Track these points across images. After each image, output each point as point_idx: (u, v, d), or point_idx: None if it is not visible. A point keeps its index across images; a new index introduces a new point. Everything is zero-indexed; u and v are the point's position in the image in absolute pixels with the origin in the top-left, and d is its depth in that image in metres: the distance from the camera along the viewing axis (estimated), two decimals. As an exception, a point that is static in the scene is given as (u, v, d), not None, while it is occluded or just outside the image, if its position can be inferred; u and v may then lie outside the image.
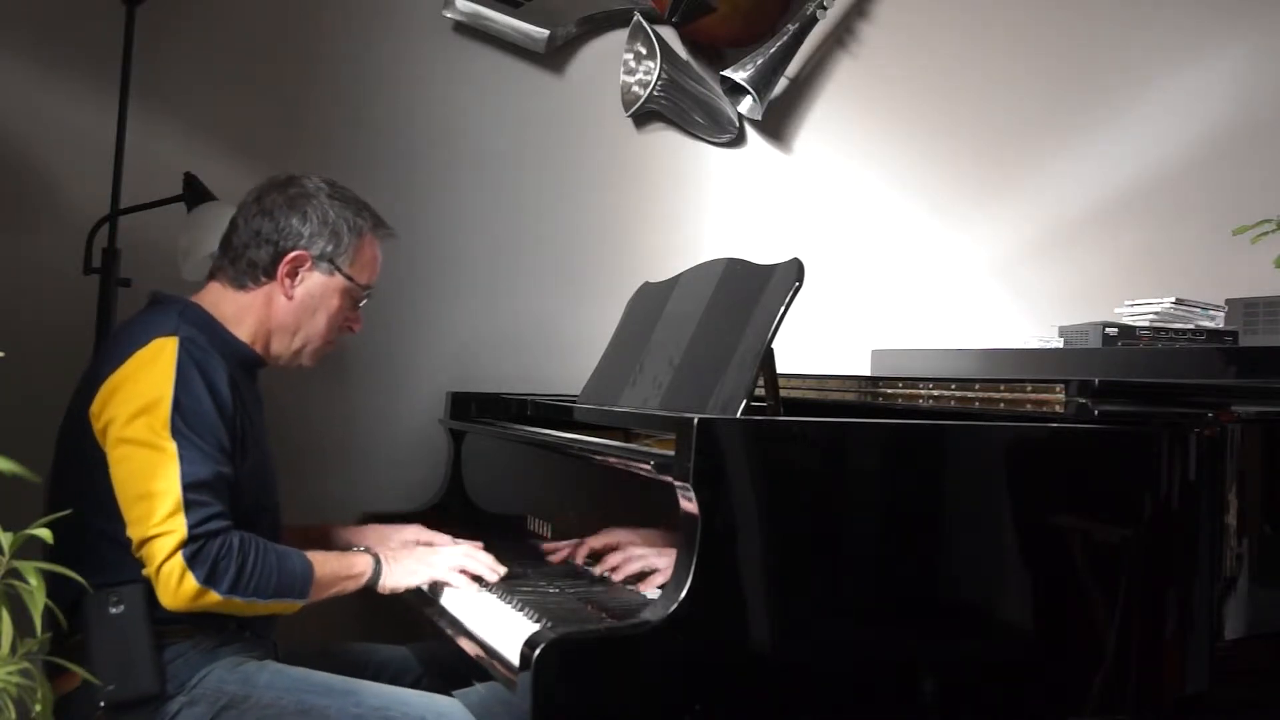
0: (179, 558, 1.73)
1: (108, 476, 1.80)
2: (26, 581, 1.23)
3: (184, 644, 1.83)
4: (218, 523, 1.77)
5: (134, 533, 1.77)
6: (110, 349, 1.91)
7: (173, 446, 1.77)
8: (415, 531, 2.23)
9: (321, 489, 2.73)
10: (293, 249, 1.99)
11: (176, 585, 1.73)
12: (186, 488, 1.75)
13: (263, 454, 2.00)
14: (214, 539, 1.76)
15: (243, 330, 2.01)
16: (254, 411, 2.00)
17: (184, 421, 1.79)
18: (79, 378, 1.95)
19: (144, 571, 1.77)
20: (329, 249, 2.01)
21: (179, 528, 1.73)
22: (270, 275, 2.00)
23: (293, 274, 2.00)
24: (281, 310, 2.01)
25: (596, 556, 2.09)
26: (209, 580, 1.74)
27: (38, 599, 1.22)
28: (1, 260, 2.53)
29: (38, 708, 1.27)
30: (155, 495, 1.75)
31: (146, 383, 1.81)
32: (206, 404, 1.83)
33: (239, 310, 2.01)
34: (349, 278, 2.04)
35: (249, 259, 2.00)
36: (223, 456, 1.83)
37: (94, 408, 1.84)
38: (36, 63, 2.56)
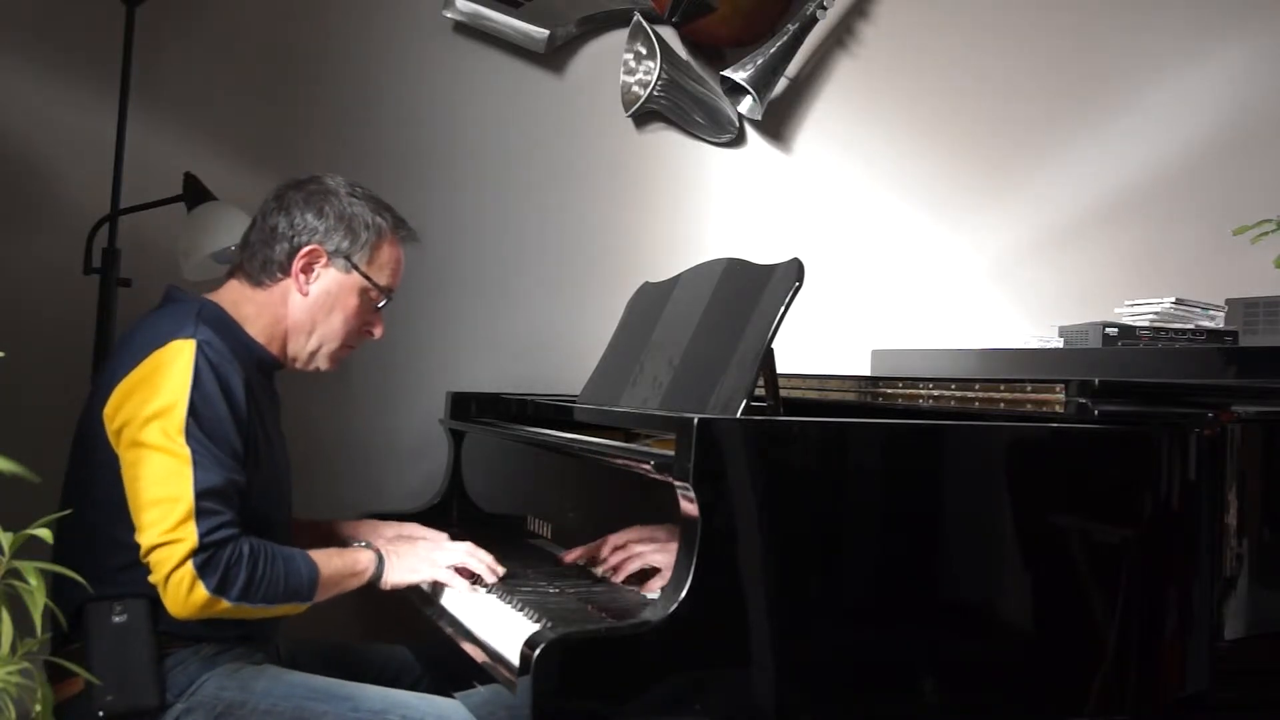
0: (189, 566, 1.71)
1: (119, 480, 1.78)
2: (27, 581, 1.23)
3: (184, 651, 1.82)
4: (227, 530, 1.75)
5: (142, 538, 1.74)
6: (126, 348, 1.88)
7: (187, 452, 1.75)
8: (415, 530, 2.22)
9: (322, 489, 2.73)
10: (308, 244, 1.97)
11: (186, 594, 1.71)
12: (200, 495, 1.73)
13: (276, 463, 1.98)
14: (224, 547, 1.74)
15: (259, 330, 1.98)
16: (269, 417, 1.98)
17: (199, 426, 1.77)
18: (90, 378, 1.93)
19: (150, 578, 1.74)
20: (345, 245, 1.98)
21: (190, 536, 1.71)
22: (286, 271, 1.98)
23: (308, 270, 1.98)
24: (297, 308, 1.99)
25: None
26: (219, 589, 1.73)
27: (38, 599, 1.22)
28: (1, 260, 2.53)
29: (38, 708, 1.27)
30: (167, 501, 1.73)
31: (162, 386, 1.78)
32: (221, 409, 1.81)
33: (256, 309, 1.98)
34: (366, 276, 2.00)
35: (265, 255, 1.98)
36: (235, 463, 1.81)
37: (109, 409, 1.81)
38: (36, 63, 2.56)
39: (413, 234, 2.10)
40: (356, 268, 2.00)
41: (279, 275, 1.98)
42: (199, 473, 1.74)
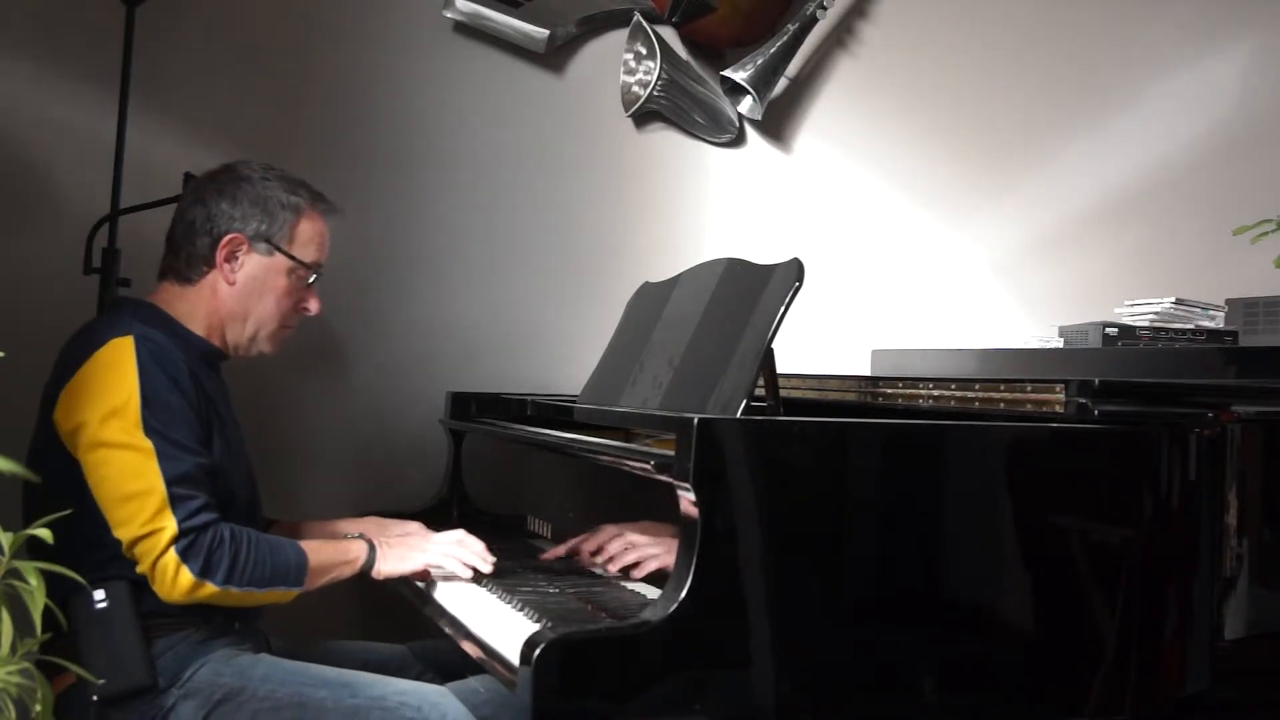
0: (172, 553, 1.74)
1: (83, 483, 1.80)
2: (26, 581, 1.23)
3: (173, 637, 1.84)
4: (206, 515, 1.78)
5: (122, 534, 1.77)
6: (67, 355, 1.92)
7: (149, 444, 1.78)
8: (414, 527, 2.23)
9: (322, 489, 2.73)
10: (226, 232, 2.00)
11: (173, 579, 1.75)
12: (170, 483, 1.76)
13: (232, 446, 2.00)
14: (205, 531, 1.77)
15: (197, 325, 2.01)
16: (220, 404, 2.01)
17: (155, 418, 1.80)
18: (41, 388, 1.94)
19: (138, 569, 1.78)
20: (263, 228, 2.01)
21: (169, 524, 1.75)
22: (210, 264, 2.01)
23: (231, 258, 2.01)
24: (227, 297, 2.02)
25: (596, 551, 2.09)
26: (204, 572, 1.76)
27: (38, 599, 1.22)
28: (1, 260, 2.52)
29: (38, 708, 1.27)
30: (140, 495, 1.76)
31: (111, 384, 1.81)
32: (174, 397, 1.84)
33: (190, 305, 2.02)
34: (290, 256, 2.03)
35: (188, 251, 2.01)
36: (199, 447, 1.85)
37: (59, 415, 1.85)
38: (36, 62, 2.56)
39: (332, 206, 2.12)
40: (278, 248, 2.03)
41: (204, 269, 2.01)
42: (165, 462, 1.77)
